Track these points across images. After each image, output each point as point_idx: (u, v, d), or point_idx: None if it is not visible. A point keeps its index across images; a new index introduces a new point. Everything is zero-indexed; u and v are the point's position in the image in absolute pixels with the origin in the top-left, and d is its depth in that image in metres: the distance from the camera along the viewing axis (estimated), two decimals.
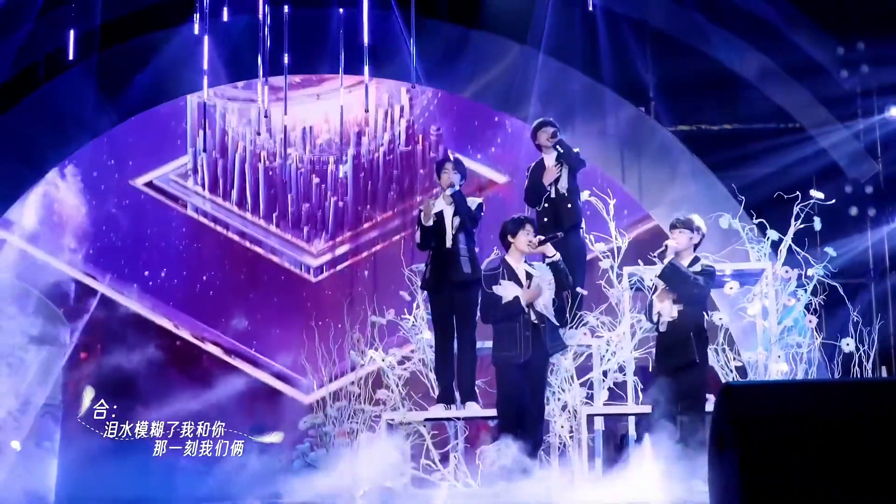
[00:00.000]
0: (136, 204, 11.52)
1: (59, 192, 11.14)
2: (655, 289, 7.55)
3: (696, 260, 7.47)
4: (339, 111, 11.18)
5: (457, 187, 8.10)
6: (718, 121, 10.94)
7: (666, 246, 7.51)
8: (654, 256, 7.74)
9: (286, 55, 10.49)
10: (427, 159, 11.61)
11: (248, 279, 11.48)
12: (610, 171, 11.02)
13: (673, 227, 7.58)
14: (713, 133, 10.93)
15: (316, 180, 11.61)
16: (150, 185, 11.58)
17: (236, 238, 11.58)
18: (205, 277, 11.44)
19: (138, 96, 11.21)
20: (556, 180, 8.51)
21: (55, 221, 11.21)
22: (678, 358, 7.28)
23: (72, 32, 10.25)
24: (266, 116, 10.89)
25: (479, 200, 8.32)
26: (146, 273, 11.38)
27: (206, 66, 10.50)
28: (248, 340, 11.31)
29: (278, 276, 11.52)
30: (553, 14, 10.77)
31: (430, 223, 8.03)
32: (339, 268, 11.57)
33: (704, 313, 7.52)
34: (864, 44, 10.47)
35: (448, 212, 8.09)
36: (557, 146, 8.48)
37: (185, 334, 11.30)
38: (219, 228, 11.60)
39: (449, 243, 8.02)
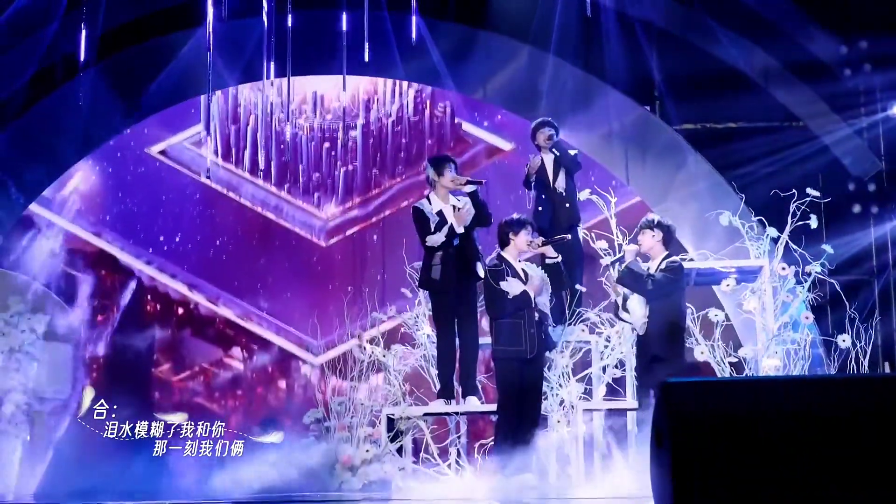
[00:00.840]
0: (152, 171, 11.74)
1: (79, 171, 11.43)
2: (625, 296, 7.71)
3: (668, 256, 7.57)
4: (342, 92, 11.32)
5: (473, 187, 8.15)
6: (723, 119, 10.98)
7: (624, 252, 7.64)
8: (610, 264, 7.86)
9: (289, 41, 10.60)
10: (434, 125, 11.76)
11: (259, 244, 11.68)
12: (615, 170, 11.10)
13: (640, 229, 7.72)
14: (718, 131, 10.98)
15: (326, 145, 11.79)
16: (164, 153, 11.81)
17: (248, 204, 11.78)
18: (218, 242, 11.66)
19: (153, 99, 11.39)
20: (555, 180, 8.62)
21: (75, 197, 11.49)
22: (647, 354, 7.40)
23: (83, 35, 10.38)
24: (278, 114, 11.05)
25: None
26: (161, 238, 11.60)
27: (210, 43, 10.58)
28: (260, 303, 11.53)
29: (289, 240, 11.72)
30: (558, 14, 10.84)
31: (462, 230, 8.05)
32: (348, 232, 11.76)
33: (682, 309, 7.59)
34: (866, 42, 10.47)
35: (448, 211, 8.15)
36: (553, 149, 8.58)
37: (199, 298, 11.54)
38: (231, 195, 11.81)
39: (457, 241, 8.09)
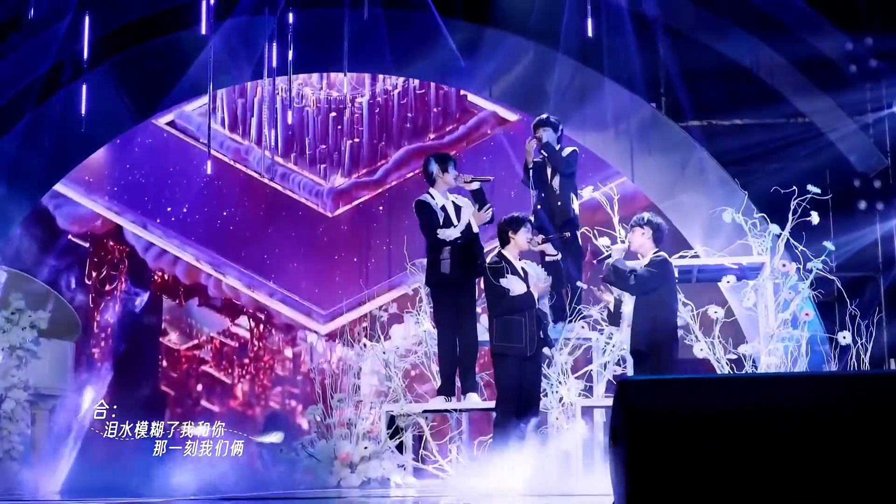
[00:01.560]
0: (159, 142, 11.83)
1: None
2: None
3: (656, 252, 7.58)
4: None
5: (478, 184, 8.15)
6: (729, 116, 10.96)
7: (610, 252, 7.66)
8: (598, 261, 7.90)
9: (290, 43, 10.66)
10: (440, 96, 11.78)
11: (266, 214, 11.78)
12: (620, 167, 11.09)
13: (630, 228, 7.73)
14: (724, 128, 10.96)
15: (333, 115, 11.84)
16: (171, 124, 11.88)
17: (255, 175, 11.85)
18: (225, 213, 11.73)
19: (162, 98, 11.46)
20: (552, 178, 8.63)
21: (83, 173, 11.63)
22: (632, 349, 7.43)
23: (86, 36, 10.46)
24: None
25: None
26: (169, 209, 11.70)
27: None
28: (267, 273, 11.63)
29: (296, 211, 11.79)
30: (565, 11, 10.83)
31: (476, 230, 8.10)
32: (355, 203, 11.84)
33: (670, 305, 7.58)
34: (872, 38, 10.43)
35: (450, 207, 8.17)
36: (542, 151, 8.56)
37: (206, 268, 11.62)
38: (238, 166, 11.88)
39: (461, 239, 8.10)
